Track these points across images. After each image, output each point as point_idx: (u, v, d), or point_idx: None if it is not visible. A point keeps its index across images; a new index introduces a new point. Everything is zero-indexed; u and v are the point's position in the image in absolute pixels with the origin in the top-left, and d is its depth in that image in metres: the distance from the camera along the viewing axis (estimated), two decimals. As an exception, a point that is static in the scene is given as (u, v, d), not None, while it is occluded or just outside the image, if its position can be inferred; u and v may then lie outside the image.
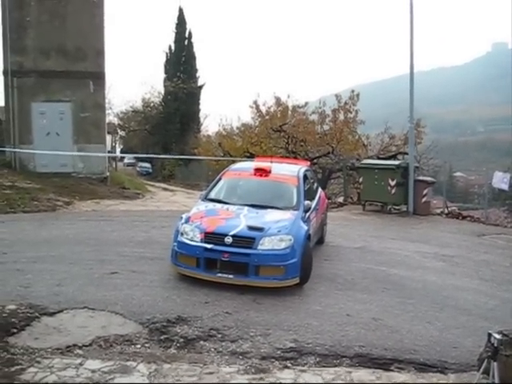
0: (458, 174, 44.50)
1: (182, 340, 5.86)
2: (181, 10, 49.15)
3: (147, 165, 48.73)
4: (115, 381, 4.84)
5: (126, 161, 48.15)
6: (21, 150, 19.89)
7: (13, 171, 19.45)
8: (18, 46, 20.03)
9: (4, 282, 7.24)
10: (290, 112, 28.62)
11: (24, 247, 9.47)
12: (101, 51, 21.00)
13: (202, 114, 50.82)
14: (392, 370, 5.39)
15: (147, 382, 4.88)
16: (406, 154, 21.20)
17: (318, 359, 5.55)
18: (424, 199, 16.79)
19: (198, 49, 54.33)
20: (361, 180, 18.03)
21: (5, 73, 20.15)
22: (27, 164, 20.17)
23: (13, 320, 5.97)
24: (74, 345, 5.57)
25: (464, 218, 16.72)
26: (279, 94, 29.20)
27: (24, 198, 15.49)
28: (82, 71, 20.39)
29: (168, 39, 51.52)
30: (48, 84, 20.21)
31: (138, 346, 5.69)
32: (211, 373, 5.12)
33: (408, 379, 5.20)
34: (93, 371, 5.01)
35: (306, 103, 28.78)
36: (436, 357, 5.66)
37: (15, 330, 5.80)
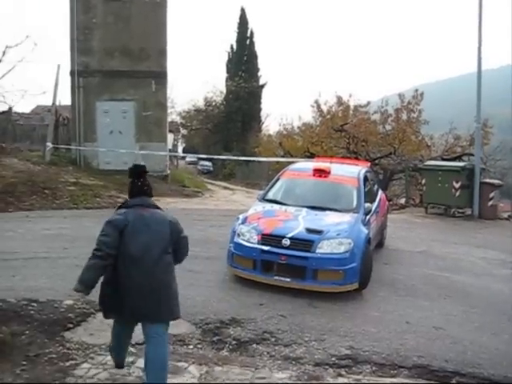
0: (527, 176, 42.60)
1: (234, 342, 5.78)
2: (243, 10, 49.54)
3: (208, 163, 49.21)
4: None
5: (187, 159, 48.78)
6: (85, 148, 20.47)
7: (77, 168, 20.05)
8: (85, 47, 20.65)
9: (63, 277, 7.36)
10: (351, 111, 28.15)
11: (84, 243, 9.58)
12: (163, 51, 21.33)
13: (263, 113, 51.06)
14: (453, 384, 5.11)
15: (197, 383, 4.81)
16: (472, 155, 20.45)
17: (374, 368, 5.34)
18: (490, 202, 16.12)
19: (259, 48, 54.38)
20: (423, 182, 17.48)
21: (72, 73, 20.79)
22: (91, 161, 20.76)
23: (69, 315, 6.08)
24: (128, 342, 5.58)
25: (533, 223, 15.91)
26: (341, 94, 28.74)
27: (87, 195, 15.91)
28: (144, 71, 20.79)
29: (230, 39, 51.94)
30: (112, 83, 20.73)
31: (191, 346, 5.66)
32: (263, 378, 5.01)
33: (470, 395, 4.91)
34: (144, 370, 4.98)
35: (368, 102, 28.23)
36: (501, 372, 5.31)
37: (71, 325, 5.90)
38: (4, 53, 18.58)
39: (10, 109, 24.58)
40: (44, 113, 28.19)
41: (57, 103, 22.56)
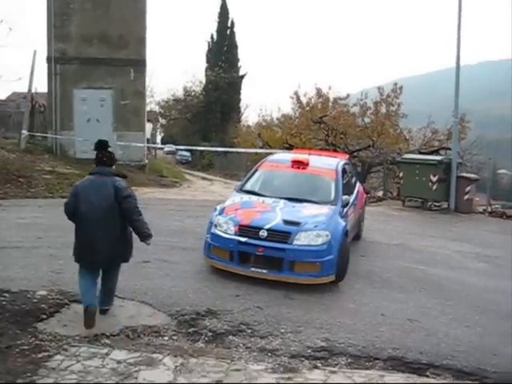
0: (502, 171, 43.10)
1: (210, 334, 5.74)
2: (223, 0, 49.06)
3: (187, 153, 48.89)
4: (140, 373, 4.75)
5: (165, 149, 48.42)
6: (61, 137, 20.18)
7: (54, 156, 19.78)
8: (62, 33, 20.33)
9: (36, 267, 7.27)
10: (330, 104, 28.20)
11: (59, 232, 9.50)
12: (142, 39, 21.11)
13: (242, 104, 50.85)
14: (427, 376, 5.12)
15: (172, 375, 4.77)
16: (449, 149, 20.69)
17: (349, 360, 5.34)
18: (466, 196, 16.31)
19: (239, 38, 54.12)
20: (401, 175, 17.60)
21: (48, 59, 20.46)
22: (68, 150, 20.50)
23: (42, 306, 5.97)
24: (102, 334, 5.50)
25: (508, 217, 16.09)
26: (320, 86, 28.78)
27: (63, 184, 15.69)
28: (123, 59, 20.56)
29: (210, 28, 51.61)
30: (90, 71, 20.44)
31: (166, 338, 5.60)
32: (238, 370, 4.96)
33: (444, 387, 4.94)
34: (118, 362, 4.93)
35: (348, 95, 28.31)
36: (475, 364, 5.36)
37: (44, 316, 5.79)
38: (-22, 37, 18.14)
39: (-15, 95, 24.11)
40: (20, 100, 27.69)
41: (33, 90, 22.19)
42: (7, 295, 6.08)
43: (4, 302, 5.92)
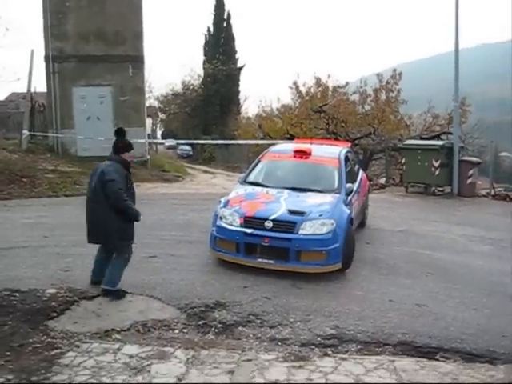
0: (504, 153, 42.91)
1: (220, 325, 5.78)
2: (219, -9, 48.81)
3: (188, 147, 48.80)
4: (152, 367, 4.79)
5: (166, 144, 48.39)
6: (62, 135, 20.20)
7: (55, 155, 19.79)
8: (58, 32, 20.26)
9: (45, 266, 7.30)
10: (330, 92, 28.13)
11: (65, 231, 9.57)
12: (139, 34, 21.05)
13: (241, 96, 50.62)
14: (437, 360, 5.16)
15: (184, 368, 4.81)
16: (451, 133, 20.65)
17: (359, 347, 5.39)
18: (469, 180, 16.30)
19: (236, 30, 53.96)
20: (403, 161, 17.58)
21: (46, 58, 20.40)
22: (69, 148, 20.49)
23: (53, 304, 6.01)
24: (113, 329, 5.56)
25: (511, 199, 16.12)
26: (319, 75, 28.71)
27: (66, 182, 15.73)
28: (121, 55, 20.50)
29: (207, 21, 51.37)
30: (88, 68, 20.39)
31: (176, 331, 5.64)
32: (249, 360, 5.01)
33: (454, 369, 4.95)
34: (130, 356, 4.98)
35: (347, 83, 28.22)
36: (484, 346, 5.40)
37: (55, 314, 5.83)
38: (-26, 39, 18.10)
39: (-17, 96, 24.11)
40: (19, 100, 27.69)
41: (32, 90, 22.16)
42: (17, 294, 6.12)
43: (14, 302, 5.96)
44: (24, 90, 22.15)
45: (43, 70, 20.67)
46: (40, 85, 23.00)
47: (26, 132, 20.11)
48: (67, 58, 20.38)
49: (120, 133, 6.48)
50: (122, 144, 6.40)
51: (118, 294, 6.28)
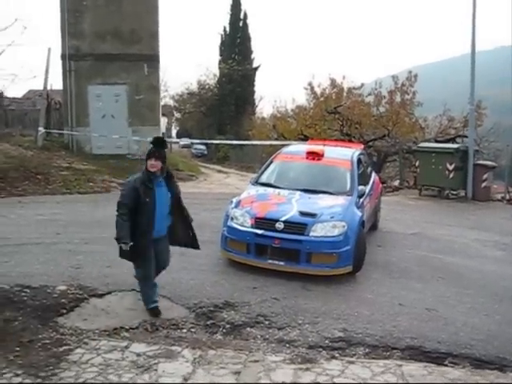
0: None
1: (228, 326, 5.79)
2: (236, -9, 48.84)
3: (202, 147, 48.94)
4: (159, 365, 4.82)
5: (181, 143, 48.55)
6: (77, 133, 20.36)
7: (70, 153, 19.93)
8: (75, 30, 20.39)
9: (56, 263, 7.36)
10: (345, 94, 28.01)
11: (77, 228, 9.64)
12: (155, 34, 21.13)
13: (256, 96, 50.69)
14: (446, 365, 5.13)
15: (191, 367, 4.82)
16: (466, 137, 20.47)
17: (367, 350, 5.37)
18: (484, 184, 16.16)
19: (252, 30, 53.93)
20: (417, 164, 17.48)
21: (63, 57, 20.56)
22: (84, 146, 20.64)
23: (63, 300, 6.06)
24: (121, 327, 5.60)
25: (527, 204, 15.93)
26: (334, 76, 28.56)
27: (80, 180, 15.84)
28: (136, 54, 20.58)
29: (223, 21, 51.53)
30: (104, 67, 20.53)
31: (184, 330, 5.67)
32: (256, 361, 5.02)
33: (463, 375, 4.92)
34: (138, 355, 5.01)
35: (362, 85, 28.07)
36: (494, 352, 5.35)
37: (64, 311, 5.89)
38: (-7, 37, 18.29)
39: (1, 94, 24.33)
40: (35, 97, 27.89)
41: (48, 87, 22.31)
42: (28, 291, 6.17)
43: (25, 298, 6.02)
44: (41, 87, 22.30)
45: (59, 68, 20.85)
46: (56, 82, 23.17)
47: (41, 129, 20.27)
48: (83, 57, 20.52)
49: (154, 142, 6.02)
50: (148, 151, 5.91)
51: (151, 312, 5.97)
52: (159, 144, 5.99)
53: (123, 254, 5.68)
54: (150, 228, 5.72)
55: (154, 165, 5.82)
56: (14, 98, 28.34)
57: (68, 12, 20.27)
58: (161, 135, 22.14)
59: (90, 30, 20.50)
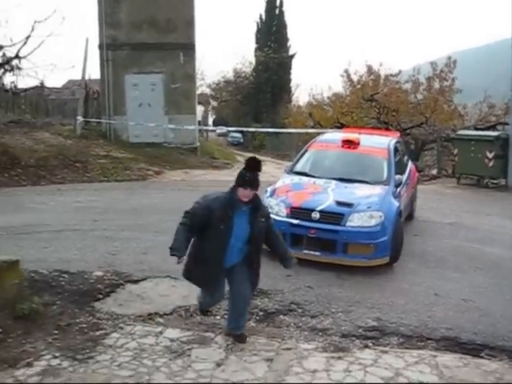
0: None
1: (261, 313, 5.81)
2: (272, -21, 48.55)
3: (238, 135, 48.96)
4: (192, 351, 4.87)
5: (217, 131, 48.78)
6: (115, 121, 20.66)
7: (108, 141, 20.27)
8: (112, 20, 20.68)
9: (93, 249, 7.50)
10: (382, 81, 27.62)
11: (114, 215, 9.80)
12: (191, 22, 21.22)
13: (293, 84, 50.47)
14: (482, 357, 5.03)
15: (224, 354, 4.86)
16: (507, 124, 19.91)
17: (401, 340, 5.31)
18: (526, 173, 15.71)
19: (289, 17, 53.65)
20: (456, 152, 17.12)
21: (100, 46, 20.88)
22: (121, 134, 20.95)
23: (99, 286, 6.18)
24: (156, 313, 5.69)
25: None
26: (371, 63, 28.17)
27: (117, 168, 16.13)
28: (172, 43, 20.74)
29: (259, 8, 51.38)
30: (140, 56, 20.75)
31: (218, 317, 5.71)
32: (289, 348, 5.03)
33: (499, 368, 4.81)
34: (172, 340, 5.08)
35: (399, 71, 27.61)
36: (532, 345, 5.23)
37: (101, 296, 6.00)
38: (33, 28, 18.58)
39: (42, 83, 24.80)
40: (74, 87, 28.35)
41: (86, 77, 22.67)
42: (66, 276, 6.31)
43: (63, 283, 6.16)
44: (79, 77, 22.67)
45: (97, 58, 21.16)
46: (94, 72, 23.50)
47: (80, 118, 20.65)
48: (120, 46, 20.78)
49: (249, 164, 5.09)
50: (238, 175, 5.04)
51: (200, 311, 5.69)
52: (255, 167, 5.03)
53: (184, 274, 5.17)
54: (219, 257, 4.91)
55: (247, 195, 4.93)
56: (53, 88, 28.86)
57: (105, 2, 20.58)
58: (197, 123, 22.27)
59: (127, 19, 20.73)
